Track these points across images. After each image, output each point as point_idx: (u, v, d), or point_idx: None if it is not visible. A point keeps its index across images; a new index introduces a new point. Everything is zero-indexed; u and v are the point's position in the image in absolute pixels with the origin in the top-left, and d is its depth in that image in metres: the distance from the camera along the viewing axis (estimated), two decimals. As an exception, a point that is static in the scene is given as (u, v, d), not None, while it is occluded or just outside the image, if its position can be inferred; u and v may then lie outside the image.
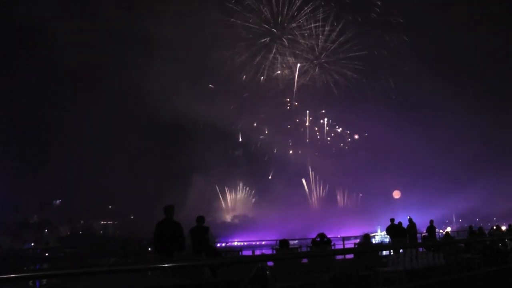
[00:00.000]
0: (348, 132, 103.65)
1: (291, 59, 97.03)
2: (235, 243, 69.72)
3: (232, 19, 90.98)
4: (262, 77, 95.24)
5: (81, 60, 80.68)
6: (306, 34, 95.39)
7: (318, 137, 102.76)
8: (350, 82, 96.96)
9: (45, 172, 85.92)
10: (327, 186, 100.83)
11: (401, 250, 19.62)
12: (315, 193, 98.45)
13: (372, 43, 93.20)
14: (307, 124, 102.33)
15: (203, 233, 16.23)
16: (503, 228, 39.62)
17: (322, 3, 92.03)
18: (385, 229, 31.68)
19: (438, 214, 74.99)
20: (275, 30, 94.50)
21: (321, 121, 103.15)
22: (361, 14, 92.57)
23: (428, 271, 16.91)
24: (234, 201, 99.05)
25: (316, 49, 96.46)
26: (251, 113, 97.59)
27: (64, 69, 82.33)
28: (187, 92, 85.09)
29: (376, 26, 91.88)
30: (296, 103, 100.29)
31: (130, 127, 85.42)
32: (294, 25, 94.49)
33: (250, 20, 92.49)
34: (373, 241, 56.65)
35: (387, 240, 36.90)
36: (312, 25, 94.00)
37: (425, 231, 33.45)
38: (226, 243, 67.59)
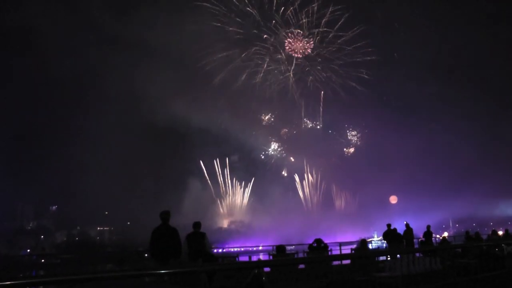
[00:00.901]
0: (348, 135, 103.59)
1: (286, 63, 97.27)
2: (232, 249, 69.61)
3: (226, 26, 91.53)
4: (257, 81, 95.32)
5: (75, 65, 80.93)
6: (301, 37, 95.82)
7: (315, 142, 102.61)
8: (348, 87, 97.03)
9: (41, 178, 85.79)
10: (324, 191, 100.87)
11: (398, 255, 19.62)
12: (311, 198, 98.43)
13: (370, 46, 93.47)
14: (303, 126, 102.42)
15: (199, 239, 16.18)
16: (500, 232, 39.65)
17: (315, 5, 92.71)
18: (381, 234, 31.66)
19: (435, 219, 75.12)
20: (268, 36, 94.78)
21: (318, 127, 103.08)
22: (359, 17, 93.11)
23: (425, 276, 16.87)
24: (230, 206, 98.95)
25: (310, 50, 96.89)
26: (247, 118, 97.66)
27: (58, 74, 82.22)
28: (182, 97, 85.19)
29: (374, 30, 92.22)
30: (293, 107, 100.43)
31: (125, 132, 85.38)
32: (288, 30, 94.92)
33: (244, 25, 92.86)
34: (370, 246, 56.65)
35: (384, 245, 36.86)
36: (304, 27, 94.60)
37: (422, 236, 33.45)
38: (223, 248, 67.46)
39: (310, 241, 24.97)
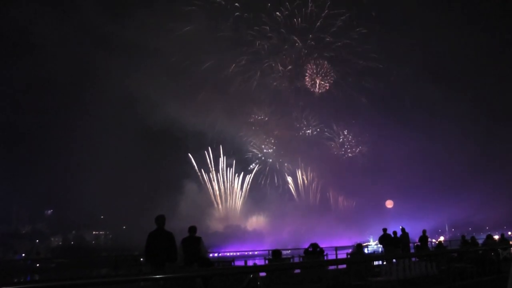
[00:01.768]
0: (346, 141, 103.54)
1: (282, 66, 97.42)
2: (227, 254, 69.48)
3: (221, 29, 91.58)
4: (253, 84, 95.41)
5: (70, 68, 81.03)
6: (294, 40, 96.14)
7: (311, 145, 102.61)
8: (345, 90, 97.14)
9: (36, 182, 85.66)
10: (320, 195, 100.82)
11: (393, 260, 19.61)
12: (307, 202, 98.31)
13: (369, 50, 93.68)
14: (300, 133, 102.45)
15: (195, 243, 16.12)
16: (496, 237, 39.64)
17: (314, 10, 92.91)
18: (377, 238, 31.64)
19: (431, 224, 75.28)
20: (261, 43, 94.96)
21: (314, 132, 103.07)
22: (357, 19, 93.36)
23: (420, 280, 16.87)
24: (226, 210, 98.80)
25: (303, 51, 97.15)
26: (243, 121, 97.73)
27: (53, 77, 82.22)
28: (177, 100, 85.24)
29: (373, 33, 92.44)
30: (289, 111, 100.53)
31: (121, 136, 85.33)
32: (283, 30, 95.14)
33: (239, 27, 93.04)
34: (366, 250, 56.64)
35: (380, 249, 36.82)
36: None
37: (417, 240, 33.44)
38: (218, 253, 67.32)
39: (306, 246, 24.94)
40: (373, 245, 69.66)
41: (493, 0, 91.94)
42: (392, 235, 29.31)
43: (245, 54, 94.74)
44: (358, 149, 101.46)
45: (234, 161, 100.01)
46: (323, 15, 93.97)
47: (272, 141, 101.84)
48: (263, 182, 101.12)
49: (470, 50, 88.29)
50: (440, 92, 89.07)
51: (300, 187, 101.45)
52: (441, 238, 77.44)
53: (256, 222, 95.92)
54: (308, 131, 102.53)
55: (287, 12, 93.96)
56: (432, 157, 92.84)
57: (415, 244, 34.12)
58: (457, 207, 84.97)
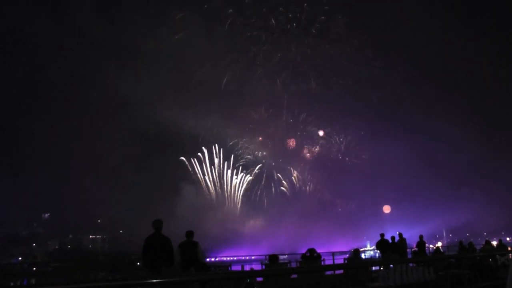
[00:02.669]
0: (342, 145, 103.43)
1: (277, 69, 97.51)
2: (224, 258, 69.39)
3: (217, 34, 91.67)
4: (249, 88, 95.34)
5: (65, 71, 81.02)
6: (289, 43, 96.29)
7: (308, 150, 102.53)
8: (341, 94, 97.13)
9: (33, 186, 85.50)
10: (317, 200, 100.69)
11: (391, 265, 19.57)
12: (304, 207, 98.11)
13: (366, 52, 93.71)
14: (294, 139, 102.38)
15: (192, 248, 16.11)
16: (494, 243, 39.64)
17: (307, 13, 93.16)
18: (374, 243, 31.63)
19: (428, 229, 75.23)
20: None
21: (311, 131, 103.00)
22: (355, 19, 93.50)
23: (418, 286, 16.82)
24: (223, 215, 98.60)
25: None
26: (239, 125, 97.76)
27: (49, 80, 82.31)
28: (173, 102, 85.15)
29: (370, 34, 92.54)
30: (286, 114, 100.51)
31: (117, 139, 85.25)
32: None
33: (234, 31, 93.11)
34: (363, 256, 56.58)
35: (377, 255, 36.78)
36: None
37: (415, 246, 33.41)
38: (215, 257, 67.26)
39: (303, 250, 24.93)
40: (370, 251, 69.65)
41: (493, 1, 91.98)
42: (390, 241, 29.28)
43: (240, 58, 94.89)
44: (356, 153, 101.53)
45: (231, 165, 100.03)
46: (319, 20, 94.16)
47: (269, 145, 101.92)
48: (260, 186, 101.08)
49: (470, 52, 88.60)
50: (439, 96, 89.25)
51: (297, 192, 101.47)
52: (439, 244, 77.42)
53: (253, 226, 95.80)
54: (304, 134, 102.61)
55: (281, 17, 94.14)
56: (429, 162, 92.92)
57: (413, 249, 34.09)
58: (455, 212, 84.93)
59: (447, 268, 20.07)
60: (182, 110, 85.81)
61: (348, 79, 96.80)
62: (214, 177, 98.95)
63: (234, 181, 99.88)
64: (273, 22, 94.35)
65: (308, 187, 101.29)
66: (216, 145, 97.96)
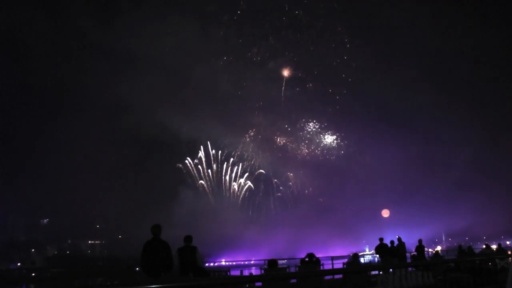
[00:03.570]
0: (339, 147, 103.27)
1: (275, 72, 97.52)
2: (223, 263, 69.37)
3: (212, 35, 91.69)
4: (247, 92, 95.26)
5: (60, 75, 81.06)
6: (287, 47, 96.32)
7: (306, 154, 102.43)
8: (339, 96, 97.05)
9: (32, 191, 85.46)
10: (315, 205, 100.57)
11: (390, 270, 19.56)
12: (302, 211, 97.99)
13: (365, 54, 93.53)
14: (292, 141, 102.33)
15: (190, 253, 16.08)
16: (493, 247, 39.60)
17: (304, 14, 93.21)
18: (373, 248, 31.63)
19: (427, 233, 75.06)
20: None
21: (309, 135, 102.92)
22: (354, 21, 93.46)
23: (417, 290, 16.78)
24: (222, 219, 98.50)
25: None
26: (237, 128, 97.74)
27: (42, 84, 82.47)
28: (169, 106, 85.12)
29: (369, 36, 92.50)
30: (282, 118, 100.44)
31: (114, 144, 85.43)
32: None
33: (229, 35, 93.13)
34: (362, 260, 56.55)
35: (376, 259, 36.77)
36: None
37: (414, 250, 33.38)
38: (214, 262, 67.28)
39: (301, 255, 24.95)
40: (369, 255, 69.56)
41: (496, 2, 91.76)
42: (389, 245, 29.25)
43: (238, 61, 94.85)
44: (355, 157, 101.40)
45: (229, 169, 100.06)
46: (318, 21, 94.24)
47: (268, 149, 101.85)
48: (259, 190, 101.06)
49: (471, 54, 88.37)
50: (438, 97, 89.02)
51: (295, 196, 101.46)
52: (438, 248, 77.39)
53: (252, 231, 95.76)
54: (302, 137, 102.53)
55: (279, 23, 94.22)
56: (429, 165, 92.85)
57: (412, 253, 34.06)
58: (454, 216, 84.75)
59: (447, 272, 20.06)
60: (180, 114, 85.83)
61: (347, 81, 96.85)
62: (212, 181, 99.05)
63: (232, 186, 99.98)
64: (269, 26, 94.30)
65: (306, 192, 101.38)
66: (214, 149, 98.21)
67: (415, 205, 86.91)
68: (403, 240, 31.58)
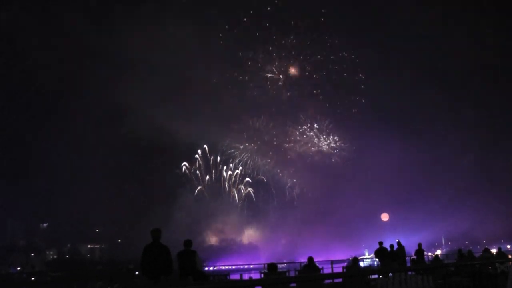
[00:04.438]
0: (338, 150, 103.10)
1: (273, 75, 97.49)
2: (223, 267, 69.31)
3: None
4: (244, 95, 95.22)
5: (57, 79, 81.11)
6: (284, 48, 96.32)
7: (306, 157, 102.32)
8: (340, 99, 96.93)
9: (31, 196, 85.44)
10: (315, 209, 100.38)
11: (390, 274, 19.53)
12: (302, 215, 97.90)
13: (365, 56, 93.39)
14: (292, 144, 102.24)
15: (190, 257, 16.08)
16: (493, 250, 39.55)
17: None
18: (373, 252, 31.63)
19: (427, 237, 74.95)
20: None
21: (309, 138, 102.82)
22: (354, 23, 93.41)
23: (417, 294, 16.76)
24: (221, 223, 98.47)
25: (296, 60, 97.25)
26: (237, 132, 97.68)
27: (39, 88, 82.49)
28: (168, 110, 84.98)
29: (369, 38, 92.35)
30: (282, 121, 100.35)
31: (112, 148, 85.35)
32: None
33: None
34: (362, 264, 56.51)
35: (375, 263, 36.75)
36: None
37: (413, 254, 33.38)
38: (214, 266, 67.20)
39: (301, 259, 25.00)
40: (368, 259, 69.40)
41: (499, 2, 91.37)
42: (389, 249, 29.25)
43: (237, 64, 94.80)
44: (355, 160, 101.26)
45: (229, 173, 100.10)
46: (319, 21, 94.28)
47: (267, 152, 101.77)
48: (258, 194, 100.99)
49: (473, 56, 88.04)
50: (440, 99, 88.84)
51: (295, 200, 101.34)
52: (438, 252, 77.27)
53: (251, 235, 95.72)
54: (301, 142, 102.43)
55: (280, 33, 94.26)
56: (428, 169, 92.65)
57: (411, 257, 34.06)
58: (454, 220, 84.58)
59: (446, 276, 20.04)
60: (179, 117, 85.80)
61: (347, 83, 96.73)
62: (212, 185, 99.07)
63: (232, 190, 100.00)
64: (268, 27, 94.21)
65: (306, 195, 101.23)
66: (213, 153, 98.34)
67: (414, 209, 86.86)
68: (403, 243, 31.59)
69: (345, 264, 35.84)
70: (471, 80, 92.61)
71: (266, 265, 24.91)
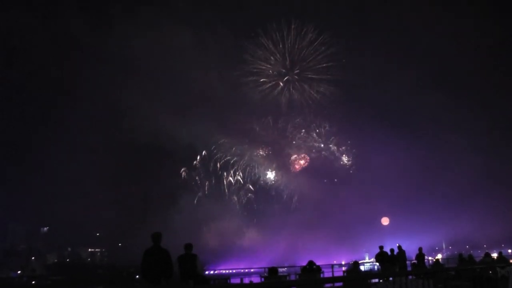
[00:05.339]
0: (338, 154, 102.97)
1: (272, 78, 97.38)
2: (223, 271, 69.20)
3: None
4: (243, 96, 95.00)
5: (56, 81, 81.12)
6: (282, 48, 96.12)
7: (306, 160, 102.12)
8: (341, 101, 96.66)
9: (32, 200, 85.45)
10: (315, 212, 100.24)
11: (390, 278, 19.51)
12: (302, 219, 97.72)
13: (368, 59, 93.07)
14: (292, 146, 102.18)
15: (191, 260, 16.09)
16: (494, 255, 39.50)
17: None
18: (373, 256, 31.63)
19: (427, 241, 74.71)
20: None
21: (309, 140, 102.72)
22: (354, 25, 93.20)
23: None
24: (222, 227, 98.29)
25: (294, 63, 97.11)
26: (237, 135, 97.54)
27: (38, 90, 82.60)
28: (168, 112, 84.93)
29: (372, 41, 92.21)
30: (281, 125, 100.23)
31: (112, 151, 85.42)
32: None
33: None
34: (362, 268, 56.44)
35: (375, 267, 36.72)
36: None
37: (414, 258, 33.35)
38: (214, 270, 67.07)
39: (302, 263, 24.97)
40: (368, 263, 69.29)
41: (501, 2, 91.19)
42: (389, 253, 29.23)
43: (236, 66, 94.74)
44: (355, 164, 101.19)
45: (230, 176, 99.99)
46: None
47: (267, 155, 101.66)
48: (258, 198, 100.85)
49: (477, 57, 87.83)
50: (441, 104, 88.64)
51: (295, 203, 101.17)
52: (438, 256, 77.17)
53: (251, 238, 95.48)
54: (300, 143, 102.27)
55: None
56: (429, 173, 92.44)
57: (412, 261, 34.03)
58: (455, 224, 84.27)
59: (447, 281, 20.03)
60: (178, 120, 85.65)
61: (348, 85, 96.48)
62: (212, 188, 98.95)
63: (232, 193, 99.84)
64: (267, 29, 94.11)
65: (306, 199, 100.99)
66: (213, 155, 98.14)
67: (415, 213, 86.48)
68: (403, 248, 31.57)
69: (346, 268, 35.84)
70: (474, 82, 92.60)
71: (266, 269, 24.90)
